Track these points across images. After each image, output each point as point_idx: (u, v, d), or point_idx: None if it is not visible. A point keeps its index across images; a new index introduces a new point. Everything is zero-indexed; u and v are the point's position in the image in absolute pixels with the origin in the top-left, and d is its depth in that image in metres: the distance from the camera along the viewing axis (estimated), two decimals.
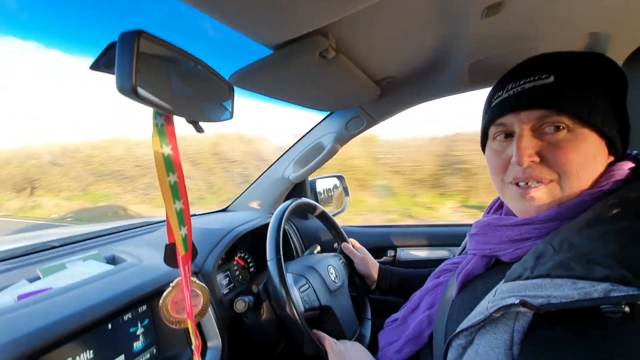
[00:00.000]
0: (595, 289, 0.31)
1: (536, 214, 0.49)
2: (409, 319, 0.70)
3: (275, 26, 0.56)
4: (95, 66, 0.45)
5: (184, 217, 0.48)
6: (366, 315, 1.00)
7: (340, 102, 1.03)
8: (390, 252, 1.35)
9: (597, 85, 0.47)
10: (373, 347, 0.76)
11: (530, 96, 0.48)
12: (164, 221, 1.23)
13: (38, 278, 0.67)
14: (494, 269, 0.54)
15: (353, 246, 1.09)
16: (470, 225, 0.62)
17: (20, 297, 0.58)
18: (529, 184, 0.49)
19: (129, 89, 0.32)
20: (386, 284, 0.99)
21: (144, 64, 0.33)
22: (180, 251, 0.48)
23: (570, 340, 0.33)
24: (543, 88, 0.47)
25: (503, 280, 0.42)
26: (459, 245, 0.82)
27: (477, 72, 0.94)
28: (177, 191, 0.47)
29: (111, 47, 0.44)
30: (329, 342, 0.72)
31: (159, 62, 0.37)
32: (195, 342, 0.53)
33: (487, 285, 0.50)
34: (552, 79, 0.47)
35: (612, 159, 0.49)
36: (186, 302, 0.51)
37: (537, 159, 0.48)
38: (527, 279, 0.38)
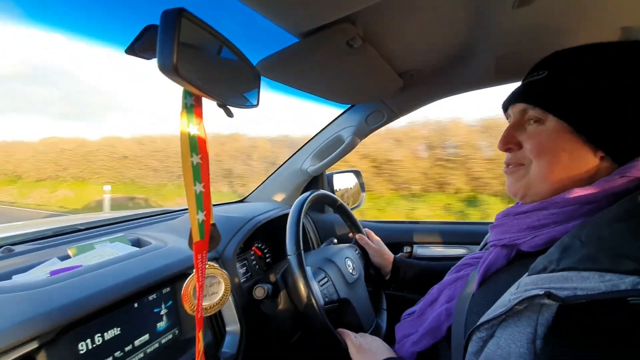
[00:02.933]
0: (623, 281, 0.31)
1: (511, 194, 0.56)
2: (427, 311, 0.70)
3: (304, 12, 0.56)
4: (130, 50, 0.45)
5: (203, 201, 0.47)
6: (382, 306, 1.00)
7: (363, 94, 1.03)
8: (407, 248, 1.35)
9: (591, 80, 0.47)
10: (389, 338, 0.76)
11: (517, 92, 0.55)
12: (182, 210, 1.26)
13: (68, 257, 0.70)
14: (516, 262, 0.53)
15: (368, 236, 1.09)
16: (490, 223, 0.62)
17: (52, 273, 0.60)
18: (509, 167, 0.57)
19: (170, 68, 0.33)
20: (400, 275, 0.98)
21: (184, 42, 0.34)
22: (195, 237, 0.47)
23: (595, 333, 0.33)
24: (533, 84, 0.53)
25: (527, 273, 0.42)
26: (478, 244, 0.80)
27: (504, 66, 0.92)
28: (198, 173, 0.46)
29: (146, 30, 0.44)
30: (349, 336, 0.73)
31: (198, 42, 0.37)
32: (198, 346, 0.51)
33: (509, 278, 0.49)
34: (545, 74, 0.51)
35: (600, 156, 0.48)
36: (198, 294, 0.49)
37: (515, 147, 0.55)
38: (552, 271, 0.38)
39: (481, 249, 0.77)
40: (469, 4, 0.66)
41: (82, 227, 0.95)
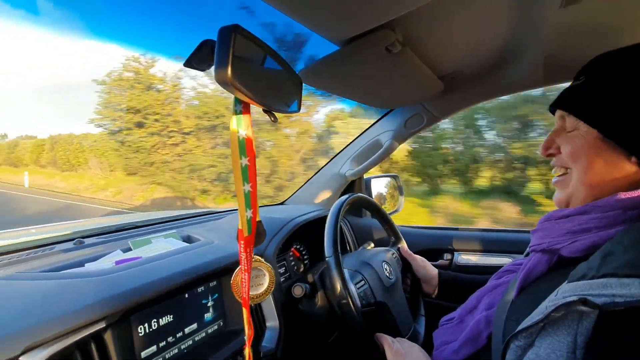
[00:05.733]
0: None
1: (557, 205, 0.56)
2: (467, 318, 0.68)
3: (345, 21, 0.58)
4: (188, 63, 0.50)
5: (251, 199, 0.51)
6: (420, 312, 0.98)
7: (402, 98, 1.03)
8: (447, 256, 1.31)
9: (626, 86, 0.46)
10: (427, 345, 0.75)
11: (557, 98, 0.56)
12: (227, 211, 1.34)
13: (129, 249, 0.78)
14: (557, 269, 0.51)
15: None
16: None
17: (117, 263, 0.68)
18: (554, 171, 0.57)
19: (225, 80, 0.37)
20: (448, 288, 0.94)
21: (237, 56, 0.37)
22: (244, 232, 0.51)
23: (636, 342, 0.31)
24: (570, 90, 0.53)
25: (567, 281, 0.40)
26: (522, 253, 0.77)
27: (553, 67, 0.87)
28: (247, 174, 0.50)
29: (202, 45, 0.49)
30: (387, 340, 0.72)
31: (249, 54, 0.41)
32: (247, 331, 0.55)
33: (550, 285, 0.48)
34: (583, 80, 0.51)
35: (634, 162, 0.47)
36: (242, 286, 0.53)
37: (556, 151, 0.56)
38: (592, 278, 0.36)
39: (525, 256, 0.74)
40: (513, 4, 0.64)
41: (140, 224, 1.04)
